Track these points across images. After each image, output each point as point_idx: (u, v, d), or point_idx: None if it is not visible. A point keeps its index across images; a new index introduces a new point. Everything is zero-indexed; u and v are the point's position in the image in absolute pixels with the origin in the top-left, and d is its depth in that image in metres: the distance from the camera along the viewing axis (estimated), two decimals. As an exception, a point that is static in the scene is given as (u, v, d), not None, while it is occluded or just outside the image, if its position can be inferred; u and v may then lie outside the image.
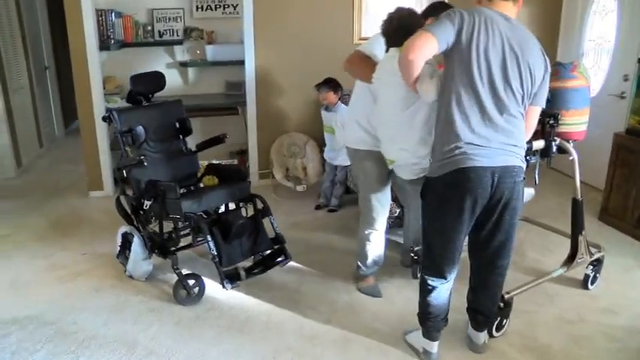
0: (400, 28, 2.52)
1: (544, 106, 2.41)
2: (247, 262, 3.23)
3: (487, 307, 2.59)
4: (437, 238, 2.40)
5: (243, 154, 5.37)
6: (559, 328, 2.87)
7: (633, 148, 3.91)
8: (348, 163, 4.31)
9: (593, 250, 3.24)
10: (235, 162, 5.31)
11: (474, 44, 2.15)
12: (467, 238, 2.47)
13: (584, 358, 2.67)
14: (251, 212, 3.33)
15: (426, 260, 2.52)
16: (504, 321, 2.78)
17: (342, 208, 4.47)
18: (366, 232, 3.09)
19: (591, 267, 3.25)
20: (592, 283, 3.28)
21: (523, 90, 2.23)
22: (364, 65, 2.74)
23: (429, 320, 2.52)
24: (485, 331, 2.67)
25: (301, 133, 4.95)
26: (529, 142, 2.62)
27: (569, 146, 2.93)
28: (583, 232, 3.11)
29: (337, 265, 3.49)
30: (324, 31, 4.85)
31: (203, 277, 3.10)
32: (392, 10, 2.64)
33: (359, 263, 3.19)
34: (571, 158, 2.97)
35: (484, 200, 2.26)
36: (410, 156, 2.62)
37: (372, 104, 2.79)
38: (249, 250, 3.17)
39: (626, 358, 2.67)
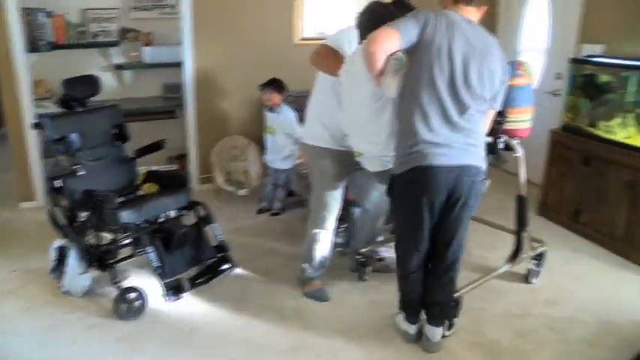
0: (374, 22, 2.45)
1: (499, 109, 2.48)
2: (191, 272, 3.11)
3: (442, 299, 2.64)
4: (403, 231, 2.56)
5: (182, 158, 5.22)
6: (506, 324, 2.92)
7: (568, 144, 4.03)
8: (289, 165, 4.29)
9: (535, 244, 3.32)
10: (175, 167, 5.15)
11: (436, 45, 2.20)
12: None
13: (530, 352, 2.72)
14: (193, 220, 3.22)
15: (397, 251, 2.62)
16: (454, 319, 2.80)
17: (285, 212, 4.40)
18: (315, 232, 3.05)
19: (534, 261, 3.33)
20: (535, 277, 3.36)
21: (484, 92, 2.28)
22: (332, 58, 2.71)
23: (406, 306, 2.72)
24: (442, 328, 2.69)
25: (242, 136, 4.85)
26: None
27: (515, 143, 2.99)
28: (527, 229, 3.18)
29: (283, 271, 3.43)
30: (265, 32, 4.78)
31: (145, 290, 2.97)
32: (368, 3, 2.62)
33: (305, 265, 3.14)
34: (517, 155, 3.03)
35: (442, 198, 2.34)
36: (381, 148, 2.58)
37: (334, 100, 2.77)
38: (193, 259, 3.07)
39: (567, 349, 2.74)
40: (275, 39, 4.81)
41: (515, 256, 3.21)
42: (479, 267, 3.44)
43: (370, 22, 2.44)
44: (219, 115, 4.86)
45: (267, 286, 3.28)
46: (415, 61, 2.26)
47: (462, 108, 2.27)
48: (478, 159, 2.36)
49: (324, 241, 3.07)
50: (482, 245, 3.79)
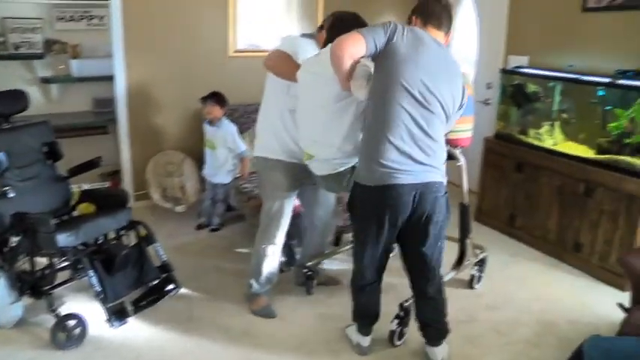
0: (342, 27, 2.46)
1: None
2: (134, 295, 2.98)
3: (432, 318, 2.65)
4: (361, 246, 2.52)
5: (115, 175, 5.02)
6: (454, 330, 2.95)
7: (501, 151, 4.20)
8: (229, 180, 4.21)
9: (477, 251, 3.42)
10: (107, 184, 4.95)
11: (402, 56, 2.21)
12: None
13: (479, 356, 2.80)
14: (134, 240, 3.10)
15: (355, 263, 2.61)
16: (405, 329, 2.83)
17: (224, 227, 4.31)
18: (264, 247, 3.00)
19: (476, 267, 3.43)
20: (478, 282, 3.46)
21: (445, 111, 2.31)
22: (289, 63, 2.67)
23: (360, 317, 2.71)
24: (444, 347, 2.70)
25: (178, 151, 4.71)
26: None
27: (457, 152, 3.07)
28: (470, 236, 3.27)
29: (228, 288, 3.35)
30: (199, 44, 4.69)
31: (85, 316, 2.80)
32: (337, 11, 2.73)
33: (252, 281, 3.08)
34: (459, 164, 3.11)
35: (405, 215, 2.35)
36: (335, 151, 2.56)
37: (286, 109, 2.77)
38: (136, 281, 2.94)
39: (513, 350, 2.83)
40: (209, 51, 4.72)
41: (459, 263, 3.29)
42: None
43: (339, 28, 2.46)
44: (153, 129, 4.71)
45: (213, 305, 3.19)
46: (381, 71, 2.25)
47: (426, 125, 2.27)
48: (440, 175, 2.38)
49: (273, 256, 3.02)
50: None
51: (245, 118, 4.67)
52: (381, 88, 2.25)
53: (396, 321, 2.80)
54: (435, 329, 2.67)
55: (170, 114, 4.73)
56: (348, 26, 2.37)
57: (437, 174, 2.36)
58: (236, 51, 4.82)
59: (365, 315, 2.71)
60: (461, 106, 2.42)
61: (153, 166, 4.65)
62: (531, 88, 3.97)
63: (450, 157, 3.04)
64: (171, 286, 3.05)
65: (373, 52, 2.22)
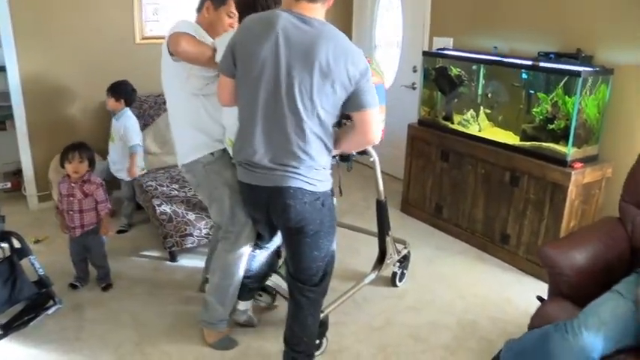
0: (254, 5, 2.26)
1: (375, 106, 2.01)
2: (6, 316, 2.62)
3: (297, 338, 2.31)
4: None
5: (18, 174, 4.57)
6: (368, 337, 2.74)
7: (426, 138, 3.98)
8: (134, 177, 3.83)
9: (399, 247, 3.19)
10: (8, 185, 4.49)
11: (249, 58, 1.96)
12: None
13: (393, 367, 2.57)
14: (4, 253, 2.72)
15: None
16: (323, 340, 2.59)
17: (132, 228, 3.95)
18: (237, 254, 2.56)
19: (398, 264, 3.20)
20: (400, 280, 3.25)
21: (319, 103, 1.94)
22: (204, 47, 2.30)
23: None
24: None
25: (85, 147, 4.30)
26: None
27: (369, 147, 2.79)
28: (389, 233, 3.04)
29: (124, 300, 3.03)
30: (103, 31, 4.26)
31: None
32: None
33: (216, 305, 2.60)
34: (372, 159, 2.85)
35: (265, 217, 2.24)
36: None
37: (202, 95, 2.42)
38: (8, 300, 2.58)
39: (431, 359, 2.61)
40: (115, 38, 4.31)
41: (380, 262, 3.05)
42: (344, 275, 3.25)
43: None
44: (56, 124, 4.27)
45: (104, 319, 2.85)
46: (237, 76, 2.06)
47: (284, 124, 1.95)
48: (301, 180, 2.03)
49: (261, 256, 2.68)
50: (345, 250, 3.61)
51: (155, 110, 4.32)
52: (239, 87, 2.10)
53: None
54: (295, 353, 2.31)
55: (74, 107, 4.31)
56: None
57: (295, 178, 2.02)
58: (145, 37, 4.43)
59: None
60: (357, 81, 1.96)
61: (56, 165, 4.21)
62: (455, 71, 3.75)
63: (361, 152, 2.79)
64: (50, 303, 2.69)
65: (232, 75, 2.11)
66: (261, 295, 2.82)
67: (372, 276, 3.00)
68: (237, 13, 2.43)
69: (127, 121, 3.72)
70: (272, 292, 2.85)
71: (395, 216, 4.13)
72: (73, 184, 2.94)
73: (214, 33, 2.43)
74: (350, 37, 5.27)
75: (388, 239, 3.03)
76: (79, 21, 4.16)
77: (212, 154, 2.47)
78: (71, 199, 2.94)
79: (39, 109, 4.18)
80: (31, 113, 4.17)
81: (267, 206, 2.14)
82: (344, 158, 2.68)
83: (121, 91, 3.73)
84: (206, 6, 2.45)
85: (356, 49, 1.97)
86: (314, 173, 2.05)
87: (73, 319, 2.83)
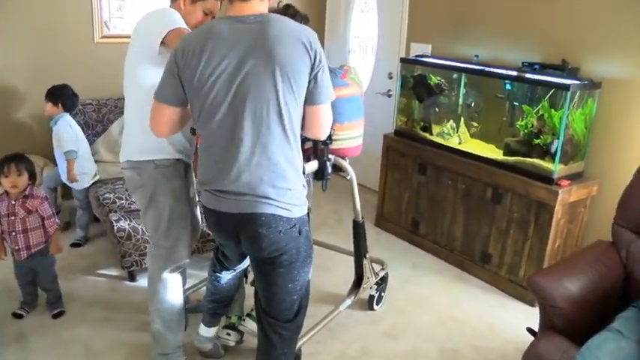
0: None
1: (326, 102, 1.84)
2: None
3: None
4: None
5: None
6: (343, 372, 2.53)
7: (402, 150, 3.78)
8: (85, 185, 3.53)
9: (377, 267, 2.99)
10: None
11: (193, 75, 1.75)
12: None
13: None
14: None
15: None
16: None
17: (88, 242, 3.64)
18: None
19: (376, 286, 2.99)
20: (377, 304, 3.04)
21: (277, 107, 1.72)
22: None
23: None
24: None
25: (38, 155, 3.91)
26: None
27: (346, 164, 2.57)
28: (367, 255, 2.82)
29: (77, 326, 2.75)
30: (59, 29, 3.94)
31: None
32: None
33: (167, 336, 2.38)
34: (348, 177, 2.63)
35: (234, 245, 1.98)
36: None
37: None
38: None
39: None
40: (72, 37, 3.99)
41: (357, 286, 2.84)
42: (315, 296, 2.99)
43: None
44: (7, 130, 3.92)
45: (51, 351, 2.55)
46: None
47: (242, 140, 1.74)
48: (274, 206, 1.80)
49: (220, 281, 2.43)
50: (315, 268, 3.35)
51: (116, 114, 4.01)
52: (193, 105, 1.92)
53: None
54: None
55: (25, 112, 3.98)
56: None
57: (264, 204, 1.79)
58: (104, 36, 4.11)
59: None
60: (313, 74, 1.77)
61: None
62: (435, 79, 3.57)
63: (337, 168, 2.58)
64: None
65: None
66: (229, 334, 2.55)
67: (348, 302, 2.78)
68: (214, 11, 2.21)
69: (61, 127, 3.41)
70: (240, 330, 2.60)
71: (369, 231, 3.90)
72: (13, 202, 2.63)
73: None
74: (322, 40, 5.09)
75: (365, 262, 2.82)
76: (30, 19, 3.83)
77: (168, 159, 2.23)
78: (12, 218, 2.63)
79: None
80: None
81: (237, 234, 1.90)
82: (319, 176, 2.46)
83: (59, 95, 3.43)
84: None
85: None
86: (288, 197, 1.82)
87: (15, 351, 2.54)
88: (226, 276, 2.40)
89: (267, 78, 1.69)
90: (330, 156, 2.45)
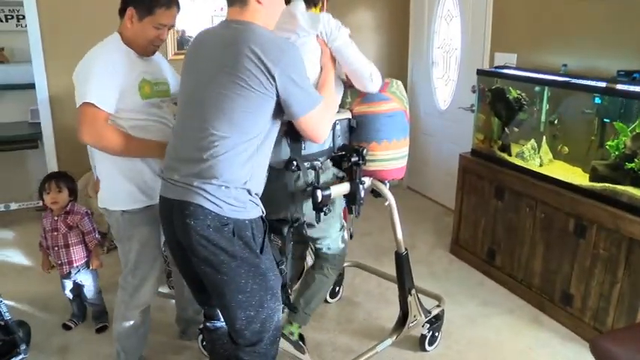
0: None
1: (301, 115, 1.76)
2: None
3: None
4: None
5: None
6: None
7: (479, 172, 3.40)
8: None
9: (430, 305, 2.66)
10: (41, 203, 4.37)
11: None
12: None
13: None
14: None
15: None
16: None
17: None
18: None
19: (428, 325, 2.66)
20: (430, 344, 2.70)
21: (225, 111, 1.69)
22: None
23: None
24: None
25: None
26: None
27: (385, 188, 2.31)
28: (413, 291, 2.51)
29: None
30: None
31: None
32: None
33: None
34: (386, 203, 2.35)
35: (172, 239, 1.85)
36: None
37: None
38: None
39: None
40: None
41: (401, 325, 2.53)
42: (364, 330, 2.76)
43: None
44: (80, 143, 4.08)
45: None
46: None
47: (193, 133, 1.74)
48: (202, 197, 1.69)
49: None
50: (371, 298, 3.11)
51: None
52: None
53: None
54: None
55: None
56: None
57: (196, 193, 1.70)
58: (176, 53, 4.17)
59: None
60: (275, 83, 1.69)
61: (82, 187, 4.03)
62: (513, 93, 3.16)
63: (378, 193, 2.32)
64: (17, 352, 2.40)
65: None
66: None
67: (389, 341, 2.47)
68: (167, 24, 2.08)
69: None
70: None
71: (443, 259, 3.59)
72: (55, 218, 2.69)
73: (138, 47, 2.10)
74: (406, 52, 4.81)
75: (410, 299, 2.50)
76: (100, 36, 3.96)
77: (136, 208, 2.16)
78: (55, 233, 2.69)
79: (65, 127, 4.07)
80: (59, 132, 4.08)
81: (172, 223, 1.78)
82: (351, 202, 2.21)
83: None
84: (129, 14, 2.06)
85: None
86: (223, 193, 1.70)
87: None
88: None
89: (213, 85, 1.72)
90: (363, 178, 2.21)
